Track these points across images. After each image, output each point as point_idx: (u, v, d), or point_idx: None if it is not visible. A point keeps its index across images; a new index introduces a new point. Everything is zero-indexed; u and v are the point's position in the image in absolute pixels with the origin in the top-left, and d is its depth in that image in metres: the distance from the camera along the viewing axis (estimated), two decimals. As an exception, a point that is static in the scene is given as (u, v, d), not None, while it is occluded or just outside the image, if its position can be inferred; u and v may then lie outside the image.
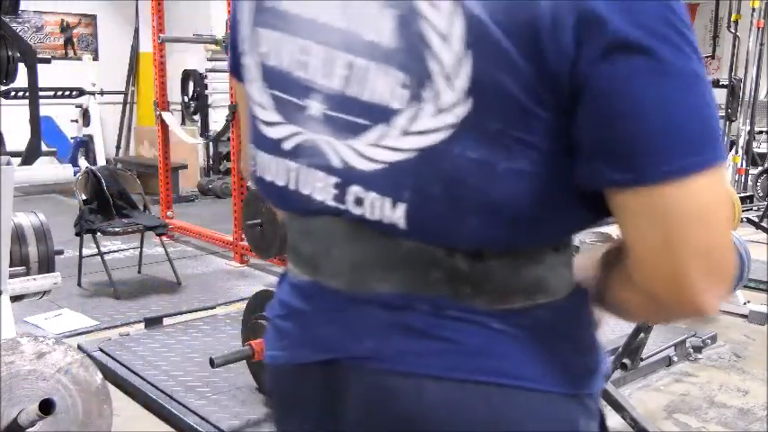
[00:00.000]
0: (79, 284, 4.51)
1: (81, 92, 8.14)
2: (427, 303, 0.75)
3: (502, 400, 0.74)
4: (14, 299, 2.75)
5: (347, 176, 0.76)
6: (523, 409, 0.74)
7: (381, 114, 0.73)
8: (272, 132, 0.82)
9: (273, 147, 0.82)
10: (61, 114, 8.68)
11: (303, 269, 0.84)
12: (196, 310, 4.02)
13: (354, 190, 0.75)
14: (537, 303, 0.76)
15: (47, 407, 1.96)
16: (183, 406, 2.78)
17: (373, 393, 0.77)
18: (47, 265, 3.00)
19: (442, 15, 0.68)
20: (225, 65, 5.77)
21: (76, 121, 8.47)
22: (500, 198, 0.71)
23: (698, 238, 0.69)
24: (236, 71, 0.92)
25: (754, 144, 8.41)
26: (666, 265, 0.70)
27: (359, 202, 0.75)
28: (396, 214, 0.73)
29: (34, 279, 2.81)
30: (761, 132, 8.93)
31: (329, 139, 0.77)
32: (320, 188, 0.78)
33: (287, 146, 0.80)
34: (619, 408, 2.66)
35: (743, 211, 5.53)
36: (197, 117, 7.88)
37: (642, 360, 3.09)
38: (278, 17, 0.80)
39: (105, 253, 4.53)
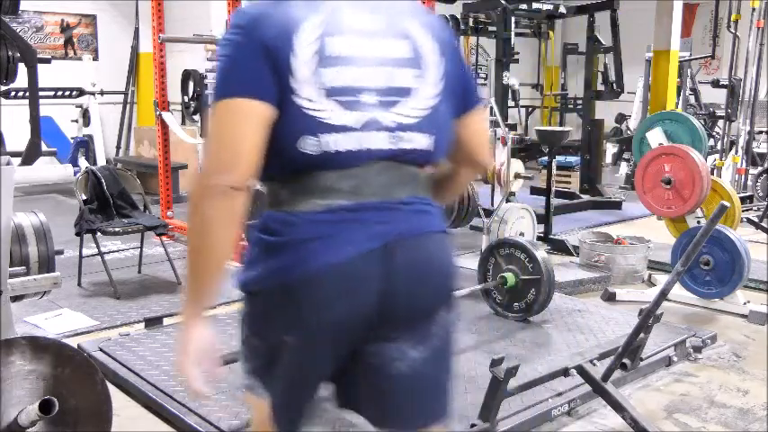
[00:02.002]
0: (79, 284, 4.51)
1: (81, 92, 8.13)
2: (420, 199, 1.48)
3: (444, 237, 1.52)
4: (14, 299, 2.75)
5: (399, 128, 1.43)
6: (447, 241, 1.53)
7: (409, 92, 1.45)
8: (340, 121, 1.38)
9: (344, 129, 1.38)
10: (61, 114, 8.68)
11: (343, 197, 1.39)
12: (196, 310, 4.01)
13: (404, 135, 1.43)
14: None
15: (47, 407, 1.96)
16: (183, 406, 2.78)
17: (413, 247, 1.43)
18: (47, 265, 3.00)
19: (428, 43, 1.49)
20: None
21: (76, 121, 8.46)
22: (450, 132, 1.54)
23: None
24: (264, 97, 1.36)
25: (754, 144, 8.41)
26: (486, 139, 1.70)
27: (407, 141, 1.43)
28: (429, 143, 1.46)
29: (34, 279, 2.80)
30: (761, 132, 8.92)
31: (383, 113, 1.42)
32: (380, 141, 1.41)
33: (355, 125, 1.39)
34: (619, 408, 2.66)
35: (743, 211, 5.53)
36: (197, 117, 7.86)
37: (642, 360, 3.09)
38: (338, 60, 1.40)
39: (105, 253, 4.52)
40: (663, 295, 2.72)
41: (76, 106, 8.41)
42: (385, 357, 1.46)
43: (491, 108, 5.33)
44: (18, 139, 6.54)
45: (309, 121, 1.37)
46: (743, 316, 4.16)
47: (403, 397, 1.49)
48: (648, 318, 2.78)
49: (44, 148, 6.56)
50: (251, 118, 1.35)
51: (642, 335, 2.87)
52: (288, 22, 1.38)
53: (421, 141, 1.44)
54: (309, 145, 1.37)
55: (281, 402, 1.50)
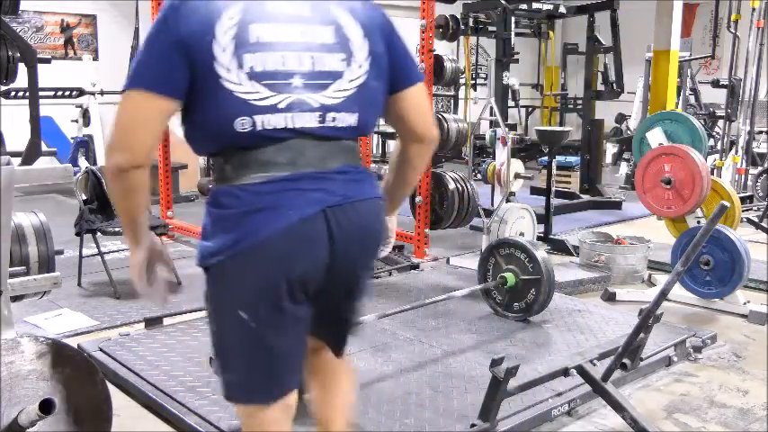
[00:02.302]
0: (79, 284, 4.51)
1: (81, 92, 8.12)
2: (354, 168, 1.67)
3: (378, 203, 1.74)
4: (14, 299, 2.75)
5: (325, 109, 1.60)
6: (380, 206, 1.76)
7: (336, 75, 1.61)
8: (268, 102, 1.54)
9: (272, 109, 1.54)
10: (61, 114, 8.67)
11: (281, 169, 1.56)
12: (196, 310, 4.01)
13: (331, 115, 1.61)
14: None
15: (47, 407, 1.96)
16: (183, 406, 2.78)
17: (349, 212, 1.62)
18: (47, 265, 3.00)
19: (352, 26, 1.64)
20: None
21: (76, 121, 8.45)
22: (380, 106, 1.73)
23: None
24: (166, 91, 1.51)
25: (754, 144, 8.41)
26: (427, 114, 1.83)
27: (334, 120, 1.61)
28: (353, 120, 1.64)
29: (34, 279, 2.80)
30: (761, 132, 8.92)
31: (310, 95, 1.58)
32: (308, 120, 1.58)
33: (281, 106, 1.55)
34: (619, 408, 2.66)
35: (743, 211, 5.53)
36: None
37: (642, 360, 3.08)
38: (260, 45, 1.53)
39: (105, 253, 4.52)
40: (663, 295, 2.72)
41: (76, 106, 8.40)
42: (332, 309, 1.76)
43: (491, 108, 5.33)
44: (18, 139, 6.54)
45: (241, 103, 1.52)
46: (743, 316, 4.16)
47: (339, 326, 1.86)
48: (648, 318, 2.78)
49: (44, 148, 6.57)
50: (149, 110, 1.51)
51: (642, 335, 2.87)
52: (212, 11, 1.51)
53: (345, 119, 1.62)
54: (243, 125, 1.53)
55: (249, 386, 1.67)
